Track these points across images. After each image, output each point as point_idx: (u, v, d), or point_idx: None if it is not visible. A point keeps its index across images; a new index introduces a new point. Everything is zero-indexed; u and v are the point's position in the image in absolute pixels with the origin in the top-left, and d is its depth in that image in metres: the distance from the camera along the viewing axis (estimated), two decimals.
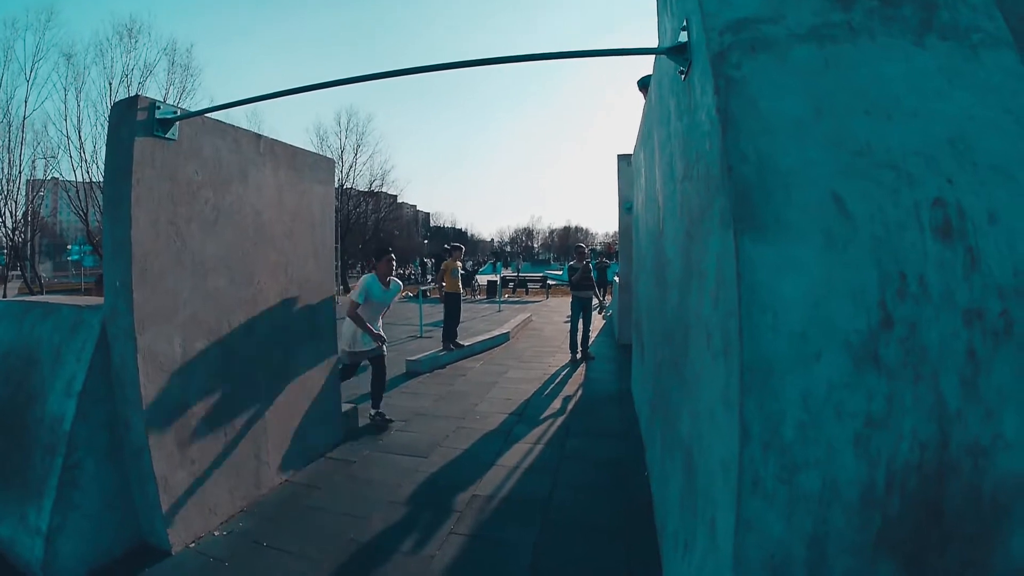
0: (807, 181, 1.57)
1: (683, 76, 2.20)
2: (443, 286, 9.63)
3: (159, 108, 2.96)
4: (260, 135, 3.82)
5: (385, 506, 3.74)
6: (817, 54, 1.69)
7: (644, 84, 8.38)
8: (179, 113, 3.02)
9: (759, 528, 1.47)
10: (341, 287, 23.87)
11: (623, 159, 10.66)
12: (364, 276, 5.48)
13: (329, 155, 4.37)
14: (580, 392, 6.98)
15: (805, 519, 1.45)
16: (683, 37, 2.11)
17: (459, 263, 9.76)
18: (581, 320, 9.14)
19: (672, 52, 2.17)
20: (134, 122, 2.88)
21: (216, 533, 3.32)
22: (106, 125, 17.25)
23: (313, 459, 4.47)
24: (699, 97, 1.94)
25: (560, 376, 7.91)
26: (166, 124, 2.97)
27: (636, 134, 5.60)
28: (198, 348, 3.31)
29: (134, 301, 2.92)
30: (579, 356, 9.07)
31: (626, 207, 10.37)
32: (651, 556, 3.01)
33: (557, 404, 6.42)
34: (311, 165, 4.41)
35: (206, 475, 3.33)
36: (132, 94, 17.47)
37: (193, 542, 3.19)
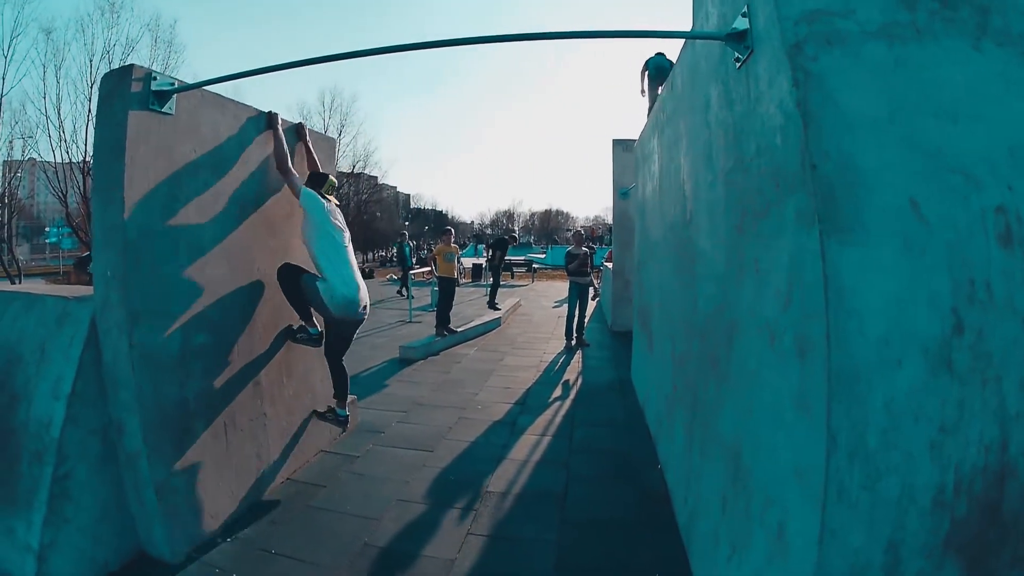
0: (885, 183, 1.56)
1: (738, 64, 2.14)
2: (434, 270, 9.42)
3: (155, 79, 2.66)
4: (261, 111, 3.53)
5: (396, 505, 3.56)
6: (887, 52, 1.67)
7: (654, 68, 8.18)
8: (177, 85, 2.73)
9: (843, 536, 1.47)
10: None
11: (619, 144, 10.48)
12: None
13: None
14: (580, 380, 6.86)
15: (884, 525, 1.47)
16: (741, 24, 2.06)
17: (453, 246, 9.51)
18: (578, 306, 8.92)
19: (730, 39, 2.11)
20: (128, 94, 2.58)
21: (219, 540, 3.09)
22: (86, 103, 16.61)
23: (313, 455, 4.25)
24: (765, 88, 1.90)
25: (557, 363, 7.78)
26: (163, 97, 2.68)
27: (646, 119, 5.44)
28: (197, 342, 3.06)
29: (127, 292, 2.65)
30: (574, 342, 8.92)
31: (622, 193, 10.23)
32: (676, 553, 2.94)
33: (558, 392, 6.31)
34: (312, 144, 4.12)
35: (207, 478, 3.09)
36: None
37: (195, 551, 2.96)
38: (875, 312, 1.49)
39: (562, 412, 5.58)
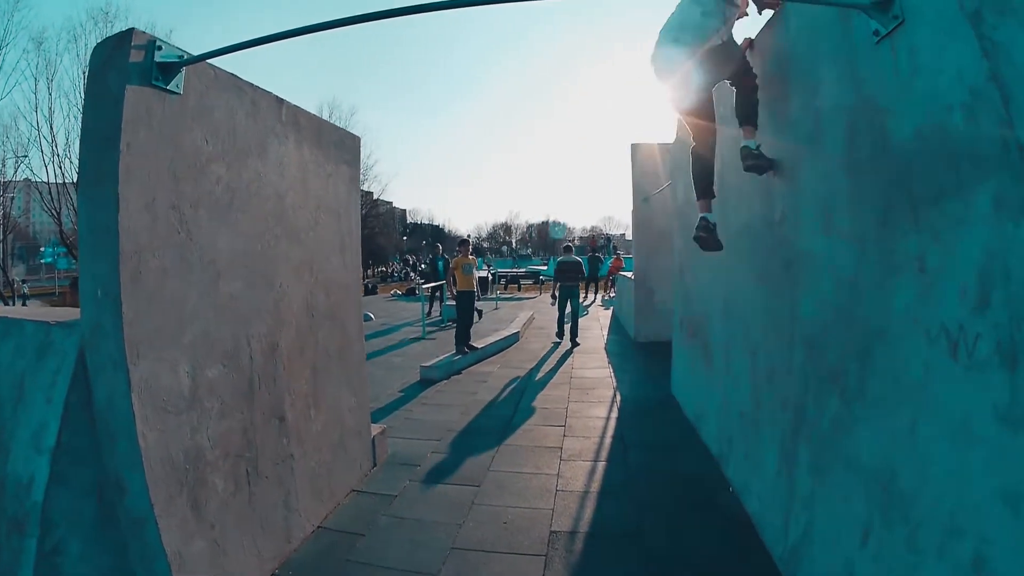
0: None
1: (877, 39, 1.96)
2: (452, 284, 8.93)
3: (160, 49, 2.13)
4: (282, 99, 3.01)
5: (452, 555, 3.04)
6: None
7: None
8: (186, 57, 2.19)
9: None
10: None
11: (639, 148, 10.06)
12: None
13: None
14: (618, 397, 6.37)
15: None
16: None
17: (471, 257, 8.98)
18: (569, 306, 9.93)
19: (875, 8, 1.90)
20: (125, 65, 2.04)
21: None
22: (79, 116, 16.09)
23: (345, 496, 3.70)
24: (929, 61, 1.73)
25: (588, 379, 7.28)
26: (169, 71, 2.14)
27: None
28: (211, 376, 2.51)
29: (124, 317, 2.10)
30: (571, 342, 9.65)
31: (643, 200, 9.82)
32: None
33: (599, 411, 5.81)
34: (337, 142, 3.62)
35: (229, 539, 2.54)
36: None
37: None
38: None
39: (609, 433, 5.10)
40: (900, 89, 1.87)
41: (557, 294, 10.16)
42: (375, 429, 4.34)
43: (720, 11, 2.84)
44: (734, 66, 2.98)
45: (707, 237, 3.27)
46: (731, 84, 3.12)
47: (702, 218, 3.29)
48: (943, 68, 1.65)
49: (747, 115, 3.06)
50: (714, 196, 3.31)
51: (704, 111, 3.13)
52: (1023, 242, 1.39)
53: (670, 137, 6.61)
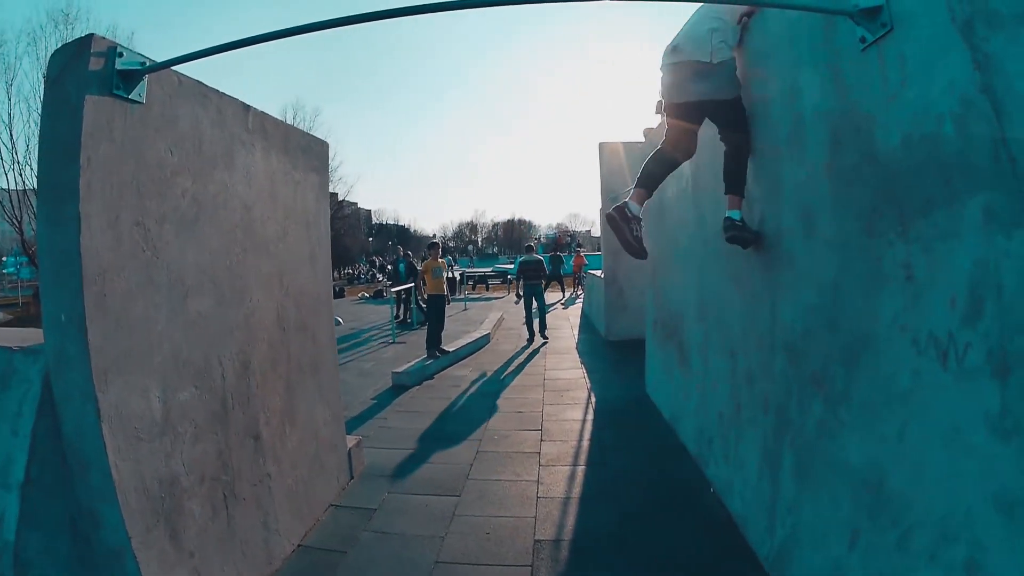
0: None
1: (864, 46, 1.94)
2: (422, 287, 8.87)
3: (121, 55, 2.00)
4: (248, 106, 2.88)
5: (436, 569, 2.98)
6: None
7: None
8: (148, 64, 2.06)
9: None
10: None
11: (606, 147, 10.12)
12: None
13: None
14: (592, 398, 6.40)
15: None
16: (870, 0, 1.87)
17: (441, 260, 8.90)
18: (535, 303, 10.36)
19: (862, 15, 1.88)
20: (85, 73, 1.91)
21: None
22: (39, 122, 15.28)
23: (323, 511, 3.60)
24: (918, 70, 1.74)
25: (562, 380, 7.29)
26: (131, 80, 2.01)
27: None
28: (183, 399, 2.39)
29: (90, 342, 1.97)
30: (536, 338, 10.24)
31: (612, 198, 9.88)
32: None
33: (575, 414, 5.81)
34: (304, 149, 3.49)
35: (209, 566, 2.42)
36: None
37: None
38: None
39: (586, 436, 5.11)
40: (888, 97, 1.86)
41: (522, 292, 10.56)
42: (350, 440, 4.24)
43: (725, 33, 2.85)
44: (723, 94, 2.90)
45: (622, 230, 2.88)
46: (720, 136, 3.03)
47: (626, 204, 2.91)
48: (934, 78, 1.65)
49: (733, 181, 2.96)
50: (650, 197, 3.05)
51: (688, 119, 3.03)
52: (1015, 254, 1.39)
53: (637, 136, 6.67)
